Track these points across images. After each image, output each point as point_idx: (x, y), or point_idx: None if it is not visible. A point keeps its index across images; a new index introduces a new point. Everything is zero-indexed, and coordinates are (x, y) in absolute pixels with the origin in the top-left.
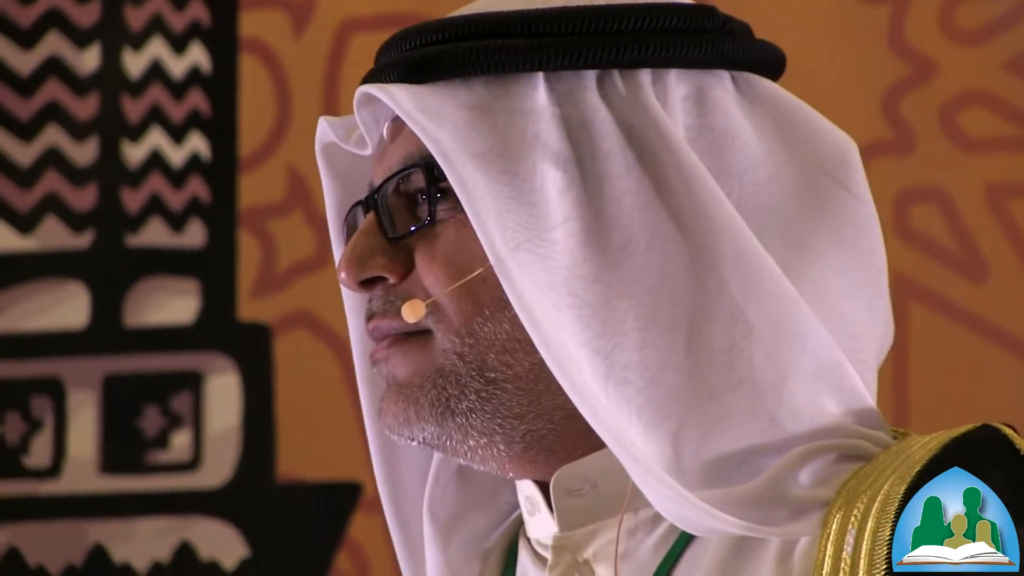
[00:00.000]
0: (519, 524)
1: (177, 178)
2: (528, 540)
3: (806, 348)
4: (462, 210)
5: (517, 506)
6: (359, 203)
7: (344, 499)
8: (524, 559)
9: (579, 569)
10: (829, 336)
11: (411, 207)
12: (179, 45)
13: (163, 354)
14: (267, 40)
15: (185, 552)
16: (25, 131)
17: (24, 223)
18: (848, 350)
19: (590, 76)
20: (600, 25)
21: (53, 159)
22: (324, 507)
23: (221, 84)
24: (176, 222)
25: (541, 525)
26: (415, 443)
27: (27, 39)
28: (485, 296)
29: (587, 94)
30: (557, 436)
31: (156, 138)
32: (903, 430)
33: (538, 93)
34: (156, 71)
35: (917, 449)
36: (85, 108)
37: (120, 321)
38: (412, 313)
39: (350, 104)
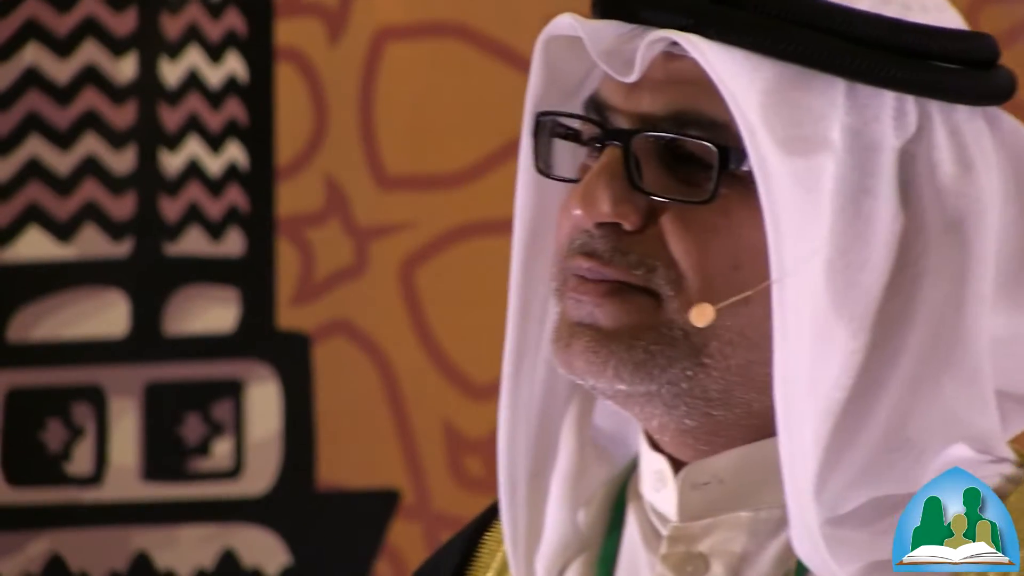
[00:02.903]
0: (624, 483)
1: (215, 187)
2: (643, 506)
3: (986, 410)
4: (737, 192)
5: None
6: (602, 130)
7: (383, 506)
8: (633, 529)
9: (692, 562)
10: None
11: (670, 166)
12: (215, 54)
13: (203, 362)
14: (303, 48)
15: (228, 559)
16: (63, 140)
17: (63, 231)
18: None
19: (888, 97)
20: (908, 42)
21: (91, 167)
22: (364, 514)
23: (258, 93)
24: (215, 231)
25: (666, 501)
26: (591, 388)
27: (64, 48)
28: (735, 286)
29: (882, 114)
30: (726, 425)
31: (194, 147)
32: None
33: (836, 97)
34: (193, 80)
35: None
36: (123, 117)
37: (160, 329)
38: (701, 318)
39: (385, 112)
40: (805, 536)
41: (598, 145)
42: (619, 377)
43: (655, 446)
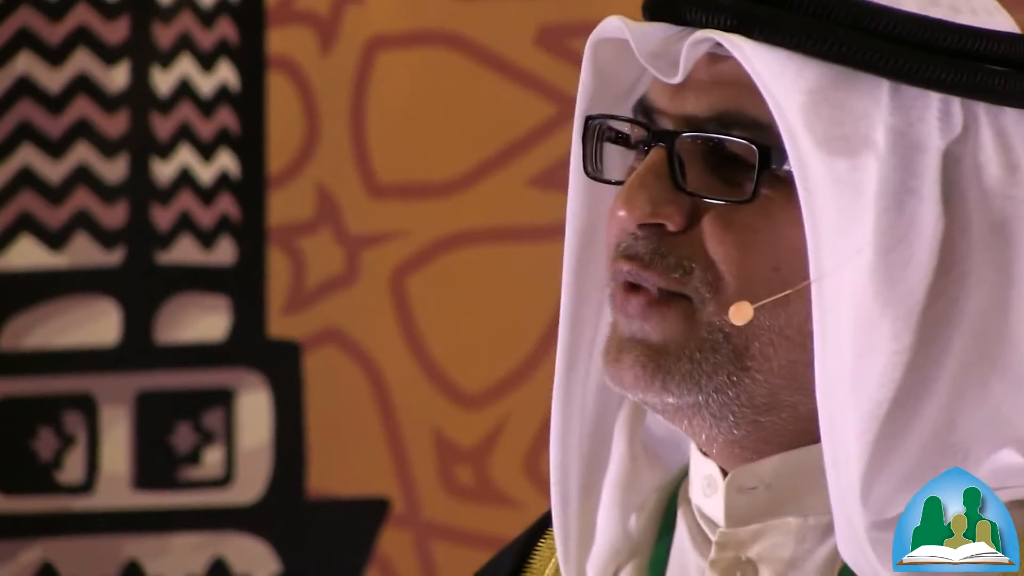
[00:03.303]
0: (675, 488)
1: (207, 195)
2: (692, 511)
3: None
4: (780, 192)
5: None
6: (648, 132)
7: (373, 515)
8: (683, 534)
9: (741, 567)
10: None
11: (713, 167)
12: (207, 63)
13: (194, 371)
14: (295, 57)
15: (219, 567)
16: (55, 148)
17: (55, 240)
18: None
19: (933, 98)
20: (955, 43)
21: (83, 176)
22: (354, 523)
23: (249, 102)
24: (206, 239)
25: (715, 507)
26: (641, 402)
27: (56, 56)
28: (774, 287)
29: (927, 115)
30: (774, 432)
31: (185, 156)
32: None
33: (880, 97)
34: (185, 89)
35: None
36: (115, 125)
37: (151, 338)
38: (739, 315)
39: (377, 122)
40: (851, 539)
41: (644, 147)
42: (667, 389)
43: (706, 453)
